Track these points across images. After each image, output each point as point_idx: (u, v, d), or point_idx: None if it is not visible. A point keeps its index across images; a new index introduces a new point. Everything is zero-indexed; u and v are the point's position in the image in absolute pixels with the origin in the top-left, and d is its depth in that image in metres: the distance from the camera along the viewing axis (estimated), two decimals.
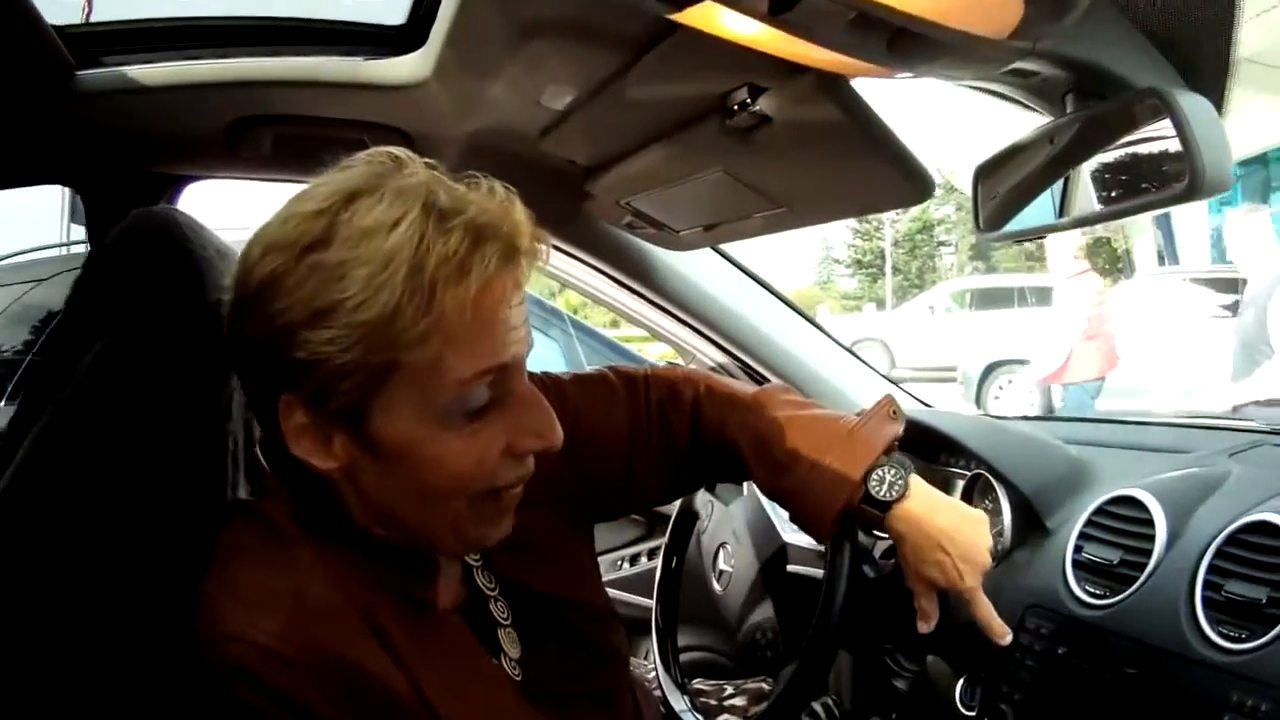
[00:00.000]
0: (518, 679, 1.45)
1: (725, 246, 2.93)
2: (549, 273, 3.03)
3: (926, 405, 3.13)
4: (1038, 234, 1.72)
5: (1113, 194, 1.52)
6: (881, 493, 1.66)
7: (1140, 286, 14.74)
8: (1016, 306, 19.44)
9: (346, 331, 1.14)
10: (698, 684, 2.32)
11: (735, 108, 1.69)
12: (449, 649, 1.38)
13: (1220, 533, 1.65)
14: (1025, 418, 3.27)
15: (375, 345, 1.14)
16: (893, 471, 1.67)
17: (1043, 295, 18.81)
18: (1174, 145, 1.35)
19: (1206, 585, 1.61)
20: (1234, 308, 13.02)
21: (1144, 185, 1.46)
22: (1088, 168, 1.54)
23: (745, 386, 1.89)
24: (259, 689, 1.19)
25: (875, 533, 1.82)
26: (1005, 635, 1.72)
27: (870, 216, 44.08)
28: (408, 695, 1.27)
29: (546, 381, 1.68)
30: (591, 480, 1.70)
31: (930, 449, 2.43)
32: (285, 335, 1.16)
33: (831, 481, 1.67)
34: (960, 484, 2.26)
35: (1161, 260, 19.80)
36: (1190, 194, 1.35)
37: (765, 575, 2.47)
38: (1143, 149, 1.44)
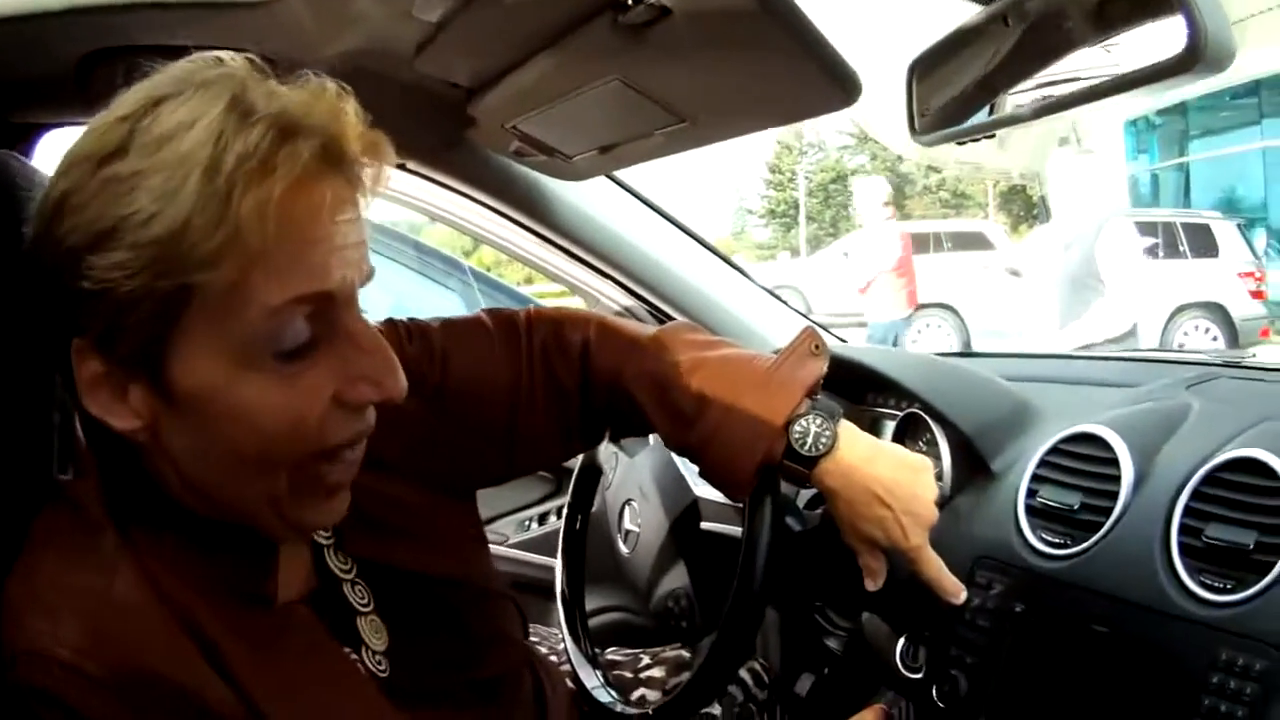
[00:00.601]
0: (383, 674, 1.28)
1: (631, 181, 2.75)
2: (423, 209, 2.85)
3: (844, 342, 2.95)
4: (987, 129, 1.53)
5: (1084, 75, 1.34)
6: (806, 446, 1.49)
7: (1055, 230, 14.86)
8: (933, 251, 19.31)
9: (133, 253, 0.97)
10: (611, 654, 2.15)
11: (629, 1, 1.48)
12: (292, 650, 1.19)
13: (1196, 471, 1.51)
14: (957, 353, 3.11)
15: (165, 267, 0.97)
16: (818, 420, 1.49)
17: (960, 240, 19.16)
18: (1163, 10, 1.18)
19: (1183, 530, 1.47)
20: (1151, 250, 13.32)
21: (1125, 60, 1.28)
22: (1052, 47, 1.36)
23: (644, 327, 1.69)
24: (60, 713, 1.02)
25: (803, 486, 1.70)
26: (959, 593, 1.58)
27: (783, 167, 44.48)
28: (234, 713, 1.09)
29: (410, 328, 1.52)
30: (467, 442, 1.52)
31: (856, 387, 2.27)
32: (71, 262, 1.00)
33: (747, 432, 1.50)
34: (891, 425, 2.10)
35: None
36: (1188, 63, 1.18)
37: (676, 535, 2.25)
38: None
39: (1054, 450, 1.75)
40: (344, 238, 1.06)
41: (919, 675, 1.78)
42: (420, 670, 1.32)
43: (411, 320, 1.54)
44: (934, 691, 1.71)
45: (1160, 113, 22.20)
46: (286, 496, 1.10)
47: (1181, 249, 14.40)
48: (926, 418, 1.96)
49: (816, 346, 1.57)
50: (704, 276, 2.87)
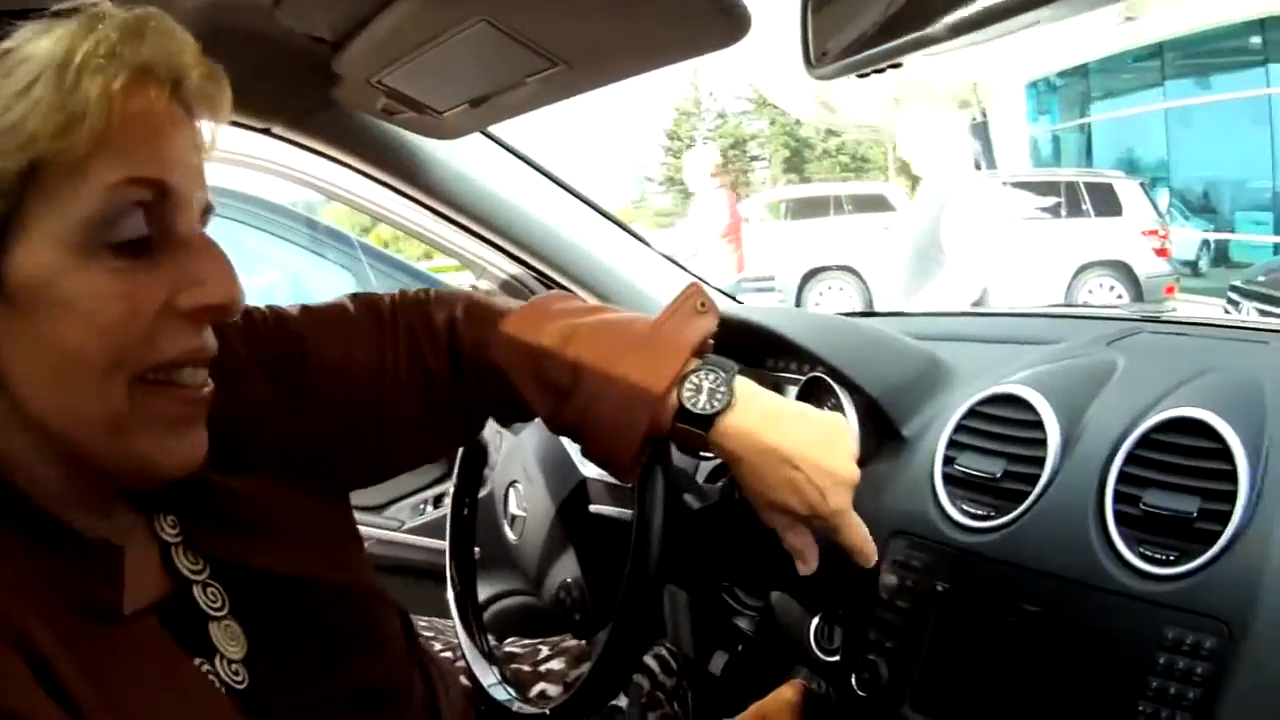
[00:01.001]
0: (240, 685, 1.14)
1: (523, 148, 2.62)
2: (312, 184, 2.68)
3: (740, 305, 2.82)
4: (889, 57, 1.39)
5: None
6: (700, 404, 1.36)
7: (958, 192, 15.04)
8: (833, 214, 19.58)
9: None
10: (509, 646, 2.03)
11: None
12: (134, 663, 1.06)
13: (1129, 433, 1.43)
14: (862, 313, 2.99)
15: (11, 145, 0.96)
16: (711, 376, 1.37)
17: (859, 202, 19.35)
18: None
19: (1119, 498, 1.39)
20: (1054, 209, 13.52)
21: None
22: None
23: (515, 301, 1.56)
24: None
25: (702, 455, 1.59)
26: (872, 557, 1.45)
27: (682, 133, 44.70)
28: None
29: (268, 316, 1.42)
30: (332, 437, 1.41)
31: (753, 351, 2.15)
32: None
33: (628, 400, 1.37)
34: (793, 391, 1.96)
35: (978, 167, 20.46)
36: None
37: (564, 520, 2.13)
38: None
39: (971, 413, 1.64)
40: (184, 154, 1.07)
41: (836, 658, 1.69)
42: (284, 680, 1.19)
43: (270, 307, 1.43)
44: (853, 680, 1.60)
45: (1061, 75, 22.65)
46: (128, 417, 1.04)
47: (1085, 208, 14.47)
48: (830, 381, 1.83)
49: (702, 304, 1.44)
50: (595, 241, 2.73)
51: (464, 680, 1.77)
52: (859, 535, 1.41)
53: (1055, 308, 2.36)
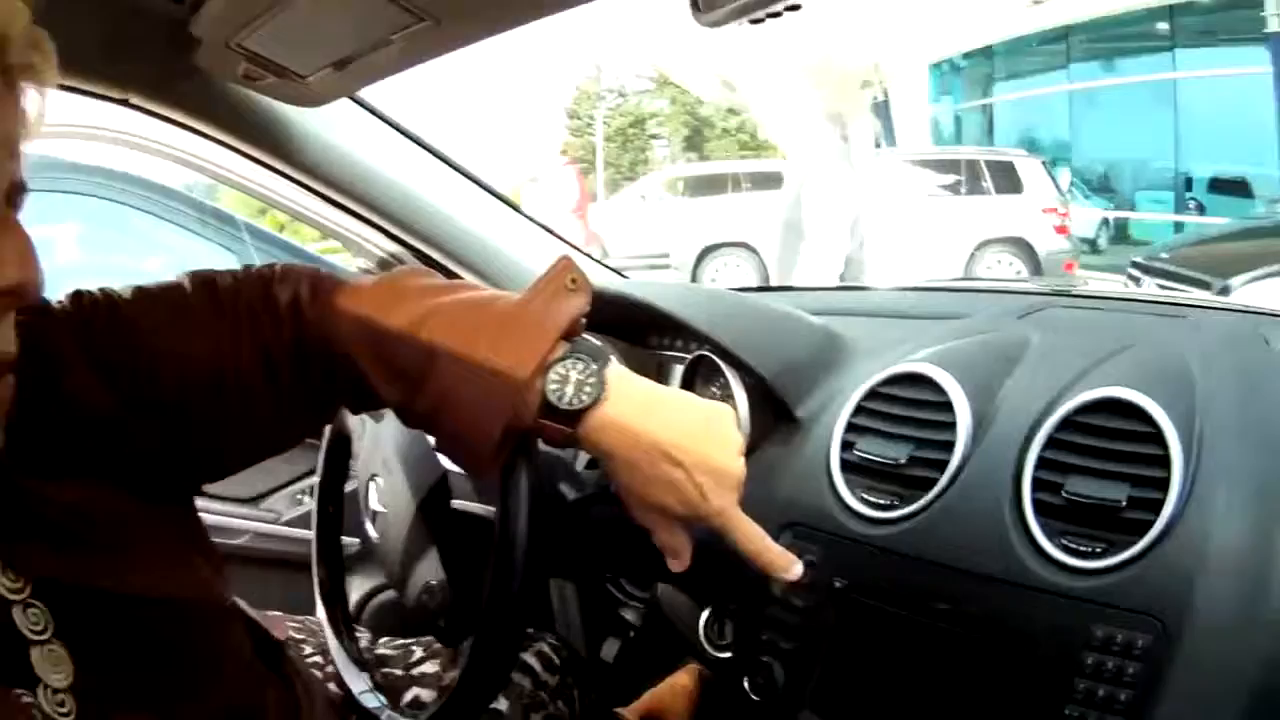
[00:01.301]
0: (65, 716, 1.03)
1: (410, 123, 2.48)
2: (196, 165, 2.51)
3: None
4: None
5: None
6: (566, 398, 1.20)
7: (860, 169, 15.20)
8: (731, 192, 19.69)
9: None
10: (382, 648, 1.89)
11: None
12: None
13: (1048, 415, 1.35)
14: (755, 287, 2.86)
15: None
16: (580, 365, 1.21)
17: (758, 179, 19.42)
18: None
19: (1038, 485, 1.30)
20: (954, 187, 13.68)
21: None
22: None
23: (366, 277, 1.38)
24: None
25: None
26: (791, 567, 1.29)
27: (581, 112, 44.77)
28: None
29: (99, 302, 1.25)
30: (169, 435, 1.24)
31: (636, 329, 2.02)
32: None
33: (486, 390, 1.21)
34: (678, 371, 1.86)
35: (879, 145, 20.72)
36: None
37: (425, 517, 1.89)
38: None
39: (872, 394, 1.54)
40: None
41: (728, 655, 1.59)
42: (118, 708, 1.08)
43: (103, 291, 1.26)
44: (746, 683, 1.50)
45: (965, 56, 23.17)
46: None
47: (985, 186, 14.57)
48: (717, 360, 1.71)
49: (574, 280, 1.28)
50: (476, 217, 2.60)
51: (334, 688, 1.66)
52: (751, 536, 1.27)
53: (960, 281, 2.27)
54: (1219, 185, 17.78)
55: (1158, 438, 1.25)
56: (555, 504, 1.49)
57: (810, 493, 1.51)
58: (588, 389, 1.21)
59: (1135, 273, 9.96)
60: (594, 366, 1.21)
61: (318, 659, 1.74)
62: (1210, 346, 1.46)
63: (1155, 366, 1.40)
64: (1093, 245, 18.43)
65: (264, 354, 1.28)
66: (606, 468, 1.27)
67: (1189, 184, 18.29)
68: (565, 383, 1.20)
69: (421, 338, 1.23)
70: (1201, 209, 17.55)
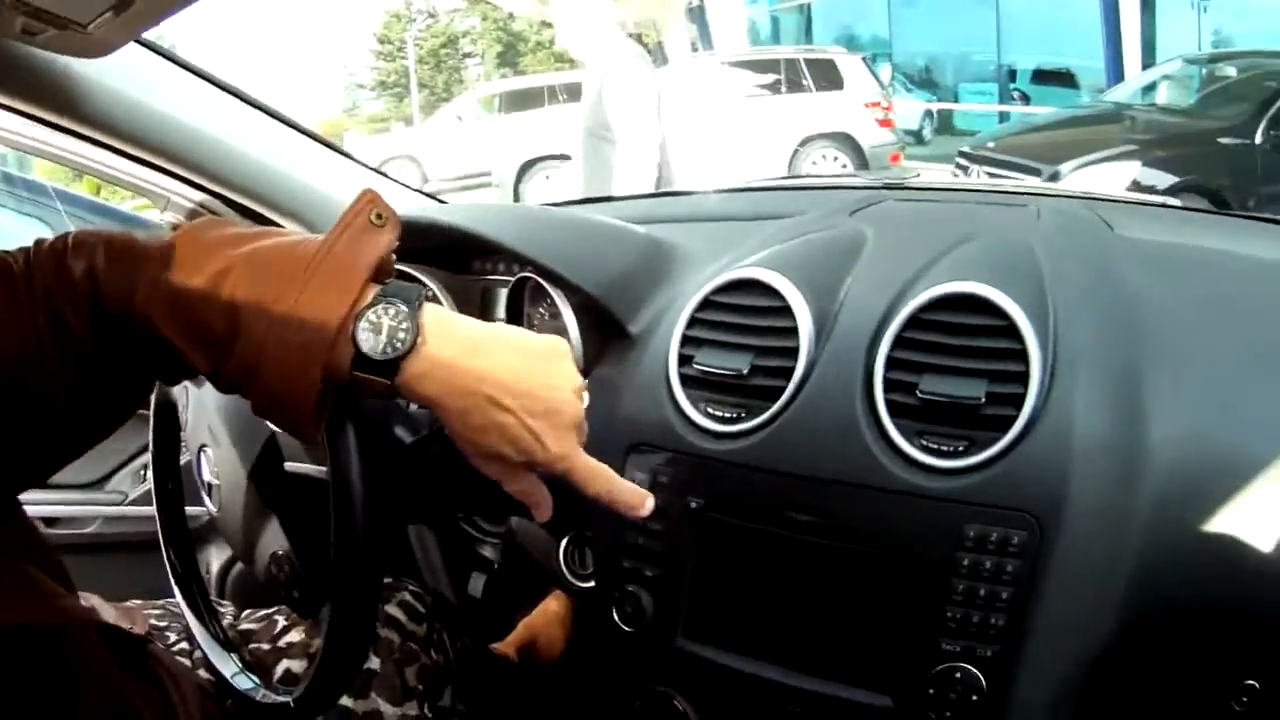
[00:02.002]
0: None
1: (222, 70, 2.32)
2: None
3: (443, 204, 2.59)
4: None
5: None
6: (378, 348, 1.10)
7: (676, 74, 15.17)
8: (548, 104, 19.62)
9: None
10: (246, 622, 1.79)
11: None
12: None
13: (894, 313, 1.32)
14: (574, 201, 2.77)
15: None
16: (390, 310, 1.11)
17: (575, 91, 19.29)
18: None
19: (890, 386, 1.27)
20: (773, 86, 13.72)
21: None
22: None
23: (160, 236, 1.23)
24: None
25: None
26: (643, 504, 1.24)
27: (392, 36, 44.52)
28: None
29: None
30: None
31: (455, 256, 1.92)
32: None
33: (294, 348, 1.10)
34: (503, 295, 1.77)
35: (696, 49, 20.77)
36: None
37: (259, 484, 1.74)
38: None
39: (706, 304, 1.47)
40: None
41: (591, 584, 1.54)
42: None
43: None
44: (615, 614, 1.45)
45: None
46: None
47: (805, 84, 14.63)
48: (541, 280, 1.64)
49: (379, 215, 1.18)
50: (283, 155, 2.47)
51: (204, 674, 1.57)
52: (597, 478, 1.21)
53: (786, 179, 2.19)
54: (1043, 76, 18.16)
55: (1011, 331, 1.23)
56: (392, 450, 1.41)
57: (652, 411, 1.45)
58: (401, 335, 1.10)
59: (963, 162, 10.08)
60: (405, 310, 1.11)
61: (184, 645, 1.64)
62: (1053, 234, 1.44)
63: (1001, 257, 1.37)
64: (917, 137, 18.70)
65: (67, 338, 1.15)
66: (438, 417, 1.19)
67: (1012, 76, 18.65)
68: (377, 331, 1.10)
69: (223, 296, 1.11)
70: (1026, 99, 17.87)
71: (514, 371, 1.14)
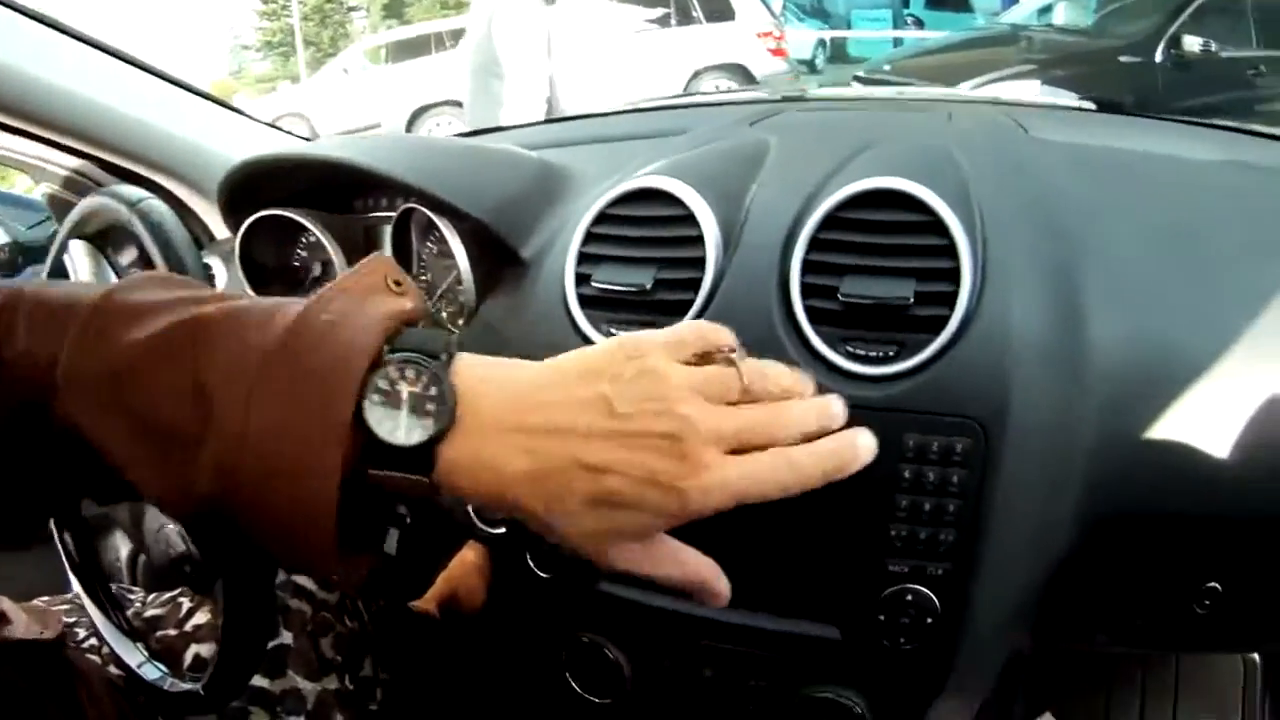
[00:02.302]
0: None
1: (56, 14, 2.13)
2: None
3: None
4: None
5: None
6: (398, 434, 0.78)
7: (565, 10, 15.11)
8: (435, 52, 19.39)
9: None
10: (151, 608, 1.64)
11: None
12: None
13: (807, 214, 1.21)
14: (463, 134, 2.66)
15: None
16: (411, 372, 0.79)
17: (461, 37, 19.16)
18: None
19: (808, 291, 1.18)
20: (663, 20, 13.79)
21: None
22: None
23: (86, 291, 0.88)
24: None
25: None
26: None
27: None
28: None
29: None
30: None
31: (336, 194, 1.76)
32: None
33: (291, 458, 0.77)
34: (388, 233, 1.63)
35: None
36: None
37: None
38: None
39: (602, 218, 1.35)
40: None
41: (502, 530, 1.43)
42: None
43: None
44: (529, 559, 1.35)
45: None
46: None
47: (695, 15, 14.80)
48: (426, 211, 1.51)
49: (396, 282, 0.88)
50: (164, 112, 2.27)
51: (114, 669, 1.44)
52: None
53: (680, 96, 2.07)
54: (937, 2, 18.25)
55: (937, 227, 1.15)
56: None
57: (550, 336, 1.32)
58: (430, 406, 0.80)
59: (859, 87, 10.08)
60: (431, 369, 0.80)
61: (92, 640, 1.51)
62: (968, 135, 1.37)
63: (918, 156, 1.29)
64: (811, 66, 18.77)
65: None
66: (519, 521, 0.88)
67: (906, 2, 18.70)
68: (394, 403, 0.79)
69: (156, 384, 0.82)
70: (920, 24, 18.00)
71: (594, 405, 0.83)
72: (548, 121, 2.30)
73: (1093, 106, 1.83)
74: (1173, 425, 1.15)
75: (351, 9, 45.86)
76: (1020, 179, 1.27)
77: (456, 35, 19.48)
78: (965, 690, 1.20)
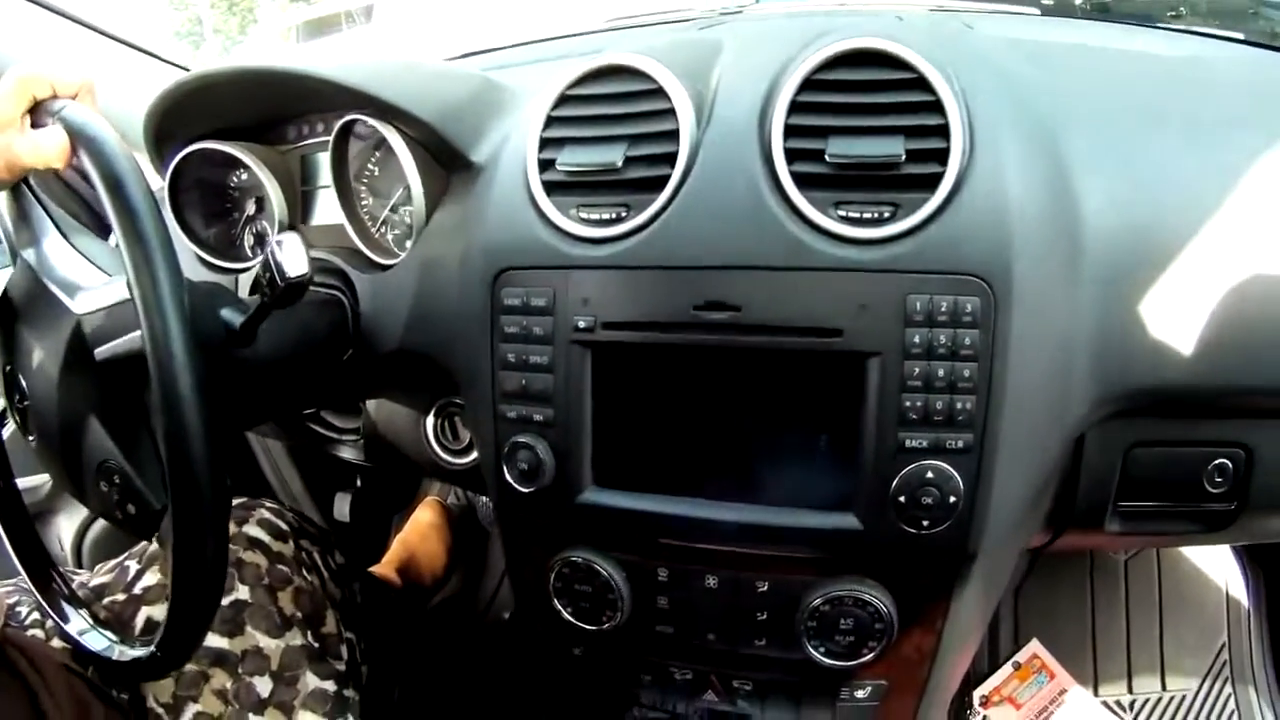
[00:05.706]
0: None
1: None
2: None
3: None
4: None
5: None
6: None
7: None
8: (345, 27, 19.26)
9: None
10: (98, 576, 1.59)
11: None
12: None
13: (784, 78, 1.15)
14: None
15: None
16: None
17: (370, 13, 19.14)
18: None
19: (793, 156, 1.11)
20: None
21: None
22: None
23: None
24: None
25: None
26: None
27: None
28: None
29: None
30: None
31: (266, 125, 1.66)
32: None
33: None
34: (324, 162, 1.54)
35: None
36: None
37: (70, 383, 1.36)
38: None
39: (564, 100, 1.27)
40: None
41: (468, 459, 1.41)
42: None
43: None
44: (508, 475, 1.27)
45: None
46: None
47: None
48: (371, 121, 1.42)
49: None
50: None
51: (58, 643, 1.41)
52: None
53: (617, 19, 2.00)
54: None
55: (920, 83, 1.10)
56: (220, 337, 1.21)
57: (515, 229, 1.25)
58: None
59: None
60: None
61: (36, 615, 1.48)
62: (920, 32, 1.27)
63: (883, 29, 1.19)
64: None
65: None
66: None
67: None
68: None
69: None
70: None
71: None
72: (483, 51, 2.24)
73: (1036, 11, 1.81)
74: (1166, 294, 1.12)
75: None
76: (979, 65, 1.22)
77: (365, 11, 19.56)
78: (986, 580, 1.17)
